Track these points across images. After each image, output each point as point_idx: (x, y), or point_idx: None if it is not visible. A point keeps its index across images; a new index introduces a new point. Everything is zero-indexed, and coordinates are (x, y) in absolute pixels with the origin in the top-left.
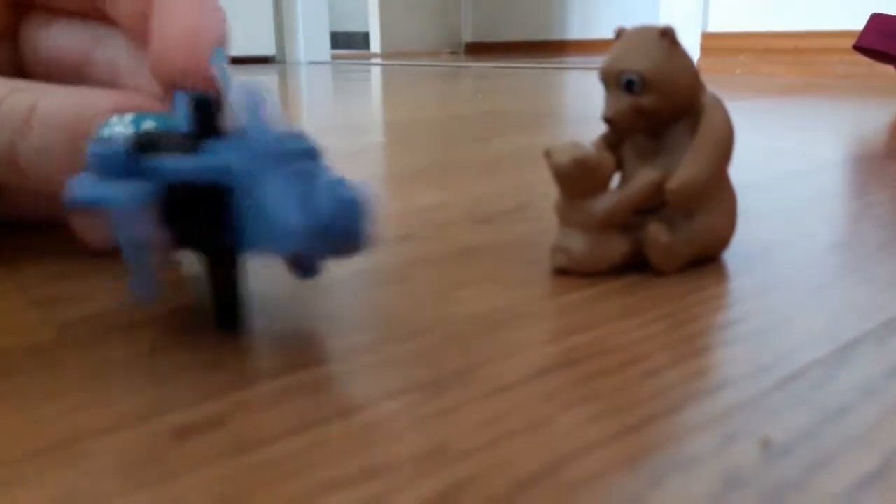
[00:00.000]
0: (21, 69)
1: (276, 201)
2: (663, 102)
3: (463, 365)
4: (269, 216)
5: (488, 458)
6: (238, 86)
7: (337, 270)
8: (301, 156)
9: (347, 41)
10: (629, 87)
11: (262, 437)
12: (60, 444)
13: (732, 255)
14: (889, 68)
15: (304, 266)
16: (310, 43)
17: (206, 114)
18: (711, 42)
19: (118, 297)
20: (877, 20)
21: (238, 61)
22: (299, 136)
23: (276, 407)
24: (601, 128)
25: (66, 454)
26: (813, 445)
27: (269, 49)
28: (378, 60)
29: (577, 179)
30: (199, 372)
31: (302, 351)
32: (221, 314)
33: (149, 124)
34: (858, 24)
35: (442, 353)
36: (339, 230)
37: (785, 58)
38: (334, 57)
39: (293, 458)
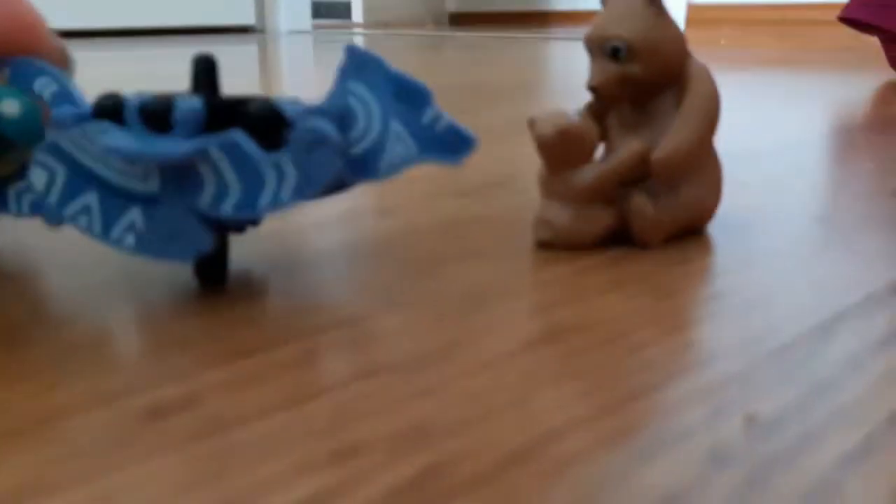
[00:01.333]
0: None
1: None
2: (649, 70)
3: (444, 340)
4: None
5: (471, 436)
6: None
7: (315, 244)
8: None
9: (329, 10)
10: (615, 54)
11: (236, 417)
12: (28, 426)
13: (717, 228)
14: (874, 39)
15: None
16: (290, 12)
17: (211, 73)
18: (696, 13)
19: (96, 275)
20: None
21: (216, 30)
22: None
23: (250, 386)
24: (588, 99)
25: (34, 436)
26: (799, 420)
27: (248, 18)
28: (361, 30)
29: (561, 150)
30: (171, 351)
31: (278, 327)
32: (204, 265)
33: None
34: None
35: (423, 329)
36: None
37: (770, 29)
38: (315, 27)
39: (267, 438)
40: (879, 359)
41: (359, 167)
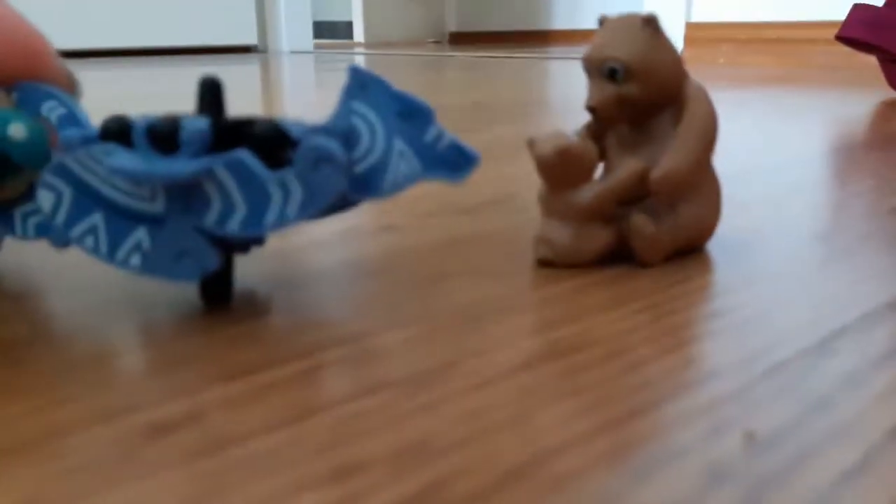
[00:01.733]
0: None
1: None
2: (646, 91)
3: (445, 358)
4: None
5: (471, 454)
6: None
7: (317, 262)
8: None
9: (330, 30)
10: (612, 75)
11: (237, 434)
12: (29, 443)
13: (717, 246)
14: (871, 58)
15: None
16: (292, 32)
17: (217, 94)
18: (695, 32)
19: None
20: (859, 10)
21: (219, 50)
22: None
23: (252, 403)
24: (586, 118)
25: (34, 453)
26: (797, 438)
27: (250, 38)
28: (362, 50)
29: (560, 169)
30: (174, 368)
31: (280, 345)
32: (209, 285)
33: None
34: (841, 14)
35: (423, 347)
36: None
37: (768, 48)
38: (317, 46)
39: (268, 456)
40: (878, 376)
41: (363, 185)
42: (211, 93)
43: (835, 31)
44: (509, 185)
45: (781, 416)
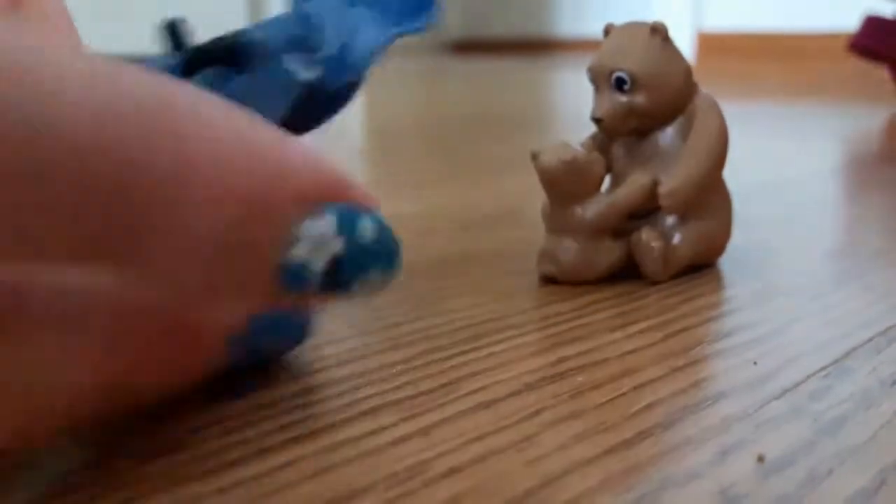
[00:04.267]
0: None
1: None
2: (655, 102)
3: (444, 379)
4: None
5: (472, 479)
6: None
7: None
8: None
9: None
10: (619, 85)
11: (229, 459)
12: (11, 467)
13: (728, 262)
14: (883, 70)
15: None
16: None
17: (178, 33)
18: (707, 42)
19: None
20: (871, 21)
21: None
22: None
23: (243, 427)
24: (592, 130)
25: (19, 478)
26: (809, 460)
27: None
28: None
29: (565, 182)
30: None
31: (273, 365)
32: None
33: (366, 226)
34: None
35: (423, 368)
36: None
37: (779, 59)
38: None
39: (261, 481)
40: (892, 396)
41: (336, 63)
42: (172, 34)
43: (847, 42)
44: (512, 200)
45: (794, 437)
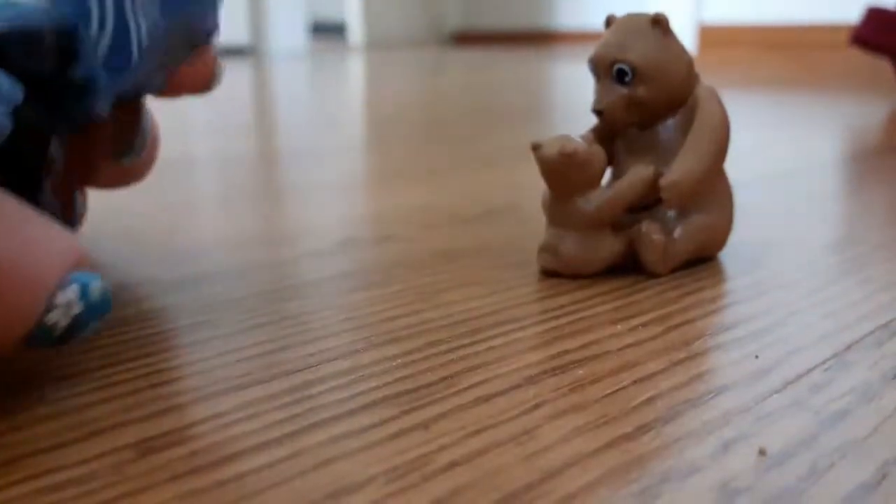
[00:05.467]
0: None
1: None
2: (656, 93)
3: (445, 373)
4: None
5: (472, 473)
6: None
7: (311, 274)
8: None
9: (326, 30)
10: (620, 77)
11: (228, 452)
12: (14, 459)
13: (729, 255)
14: (885, 62)
15: None
16: (286, 31)
17: None
18: (709, 35)
19: None
20: (873, 13)
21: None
22: None
23: (243, 421)
24: (593, 122)
25: (21, 469)
26: (810, 453)
27: (242, 38)
28: (359, 51)
29: (566, 174)
30: (162, 385)
31: (271, 360)
32: None
33: (96, 287)
34: (854, 17)
35: (423, 361)
36: None
37: (780, 51)
38: (312, 46)
39: (261, 474)
40: (893, 389)
41: (114, 59)
42: None
43: (849, 34)
44: (512, 193)
45: (795, 430)
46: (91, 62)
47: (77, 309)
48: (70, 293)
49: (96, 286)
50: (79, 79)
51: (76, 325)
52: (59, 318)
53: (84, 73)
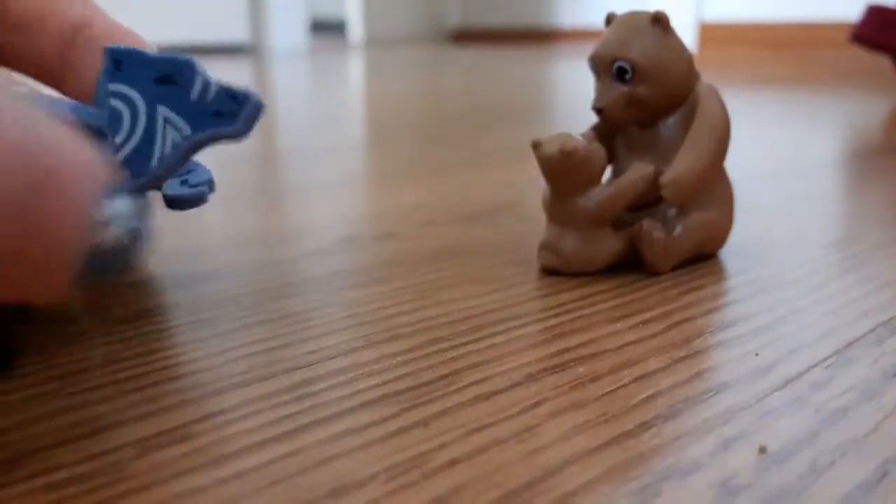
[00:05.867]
0: None
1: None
2: (657, 91)
3: (445, 371)
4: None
5: (472, 471)
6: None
7: (311, 271)
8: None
9: (326, 28)
10: (621, 75)
11: (229, 450)
12: (14, 457)
13: (730, 253)
14: (886, 60)
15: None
16: (286, 30)
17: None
18: (709, 33)
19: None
20: (873, 11)
21: (209, 50)
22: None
23: (242, 418)
24: (593, 120)
25: (21, 467)
26: (811, 451)
27: (241, 36)
28: (359, 49)
29: (566, 172)
30: (160, 382)
31: (271, 358)
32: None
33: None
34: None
35: (423, 359)
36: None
37: (780, 49)
38: (312, 45)
39: (261, 472)
40: (894, 387)
41: (132, 166)
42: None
43: (849, 32)
44: (512, 191)
45: (796, 428)
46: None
47: (129, 222)
48: (121, 205)
49: (142, 203)
50: None
51: (132, 240)
52: (115, 231)
53: None
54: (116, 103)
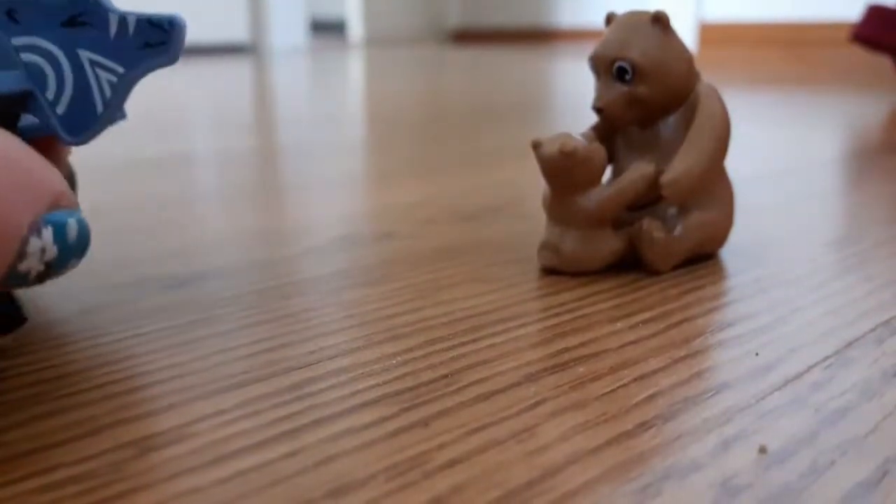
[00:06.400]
0: None
1: None
2: (657, 91)
3: (445, 370)
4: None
5: (472, 470)
6: None
7: (311, 271)
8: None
9: (326, 28)
10: (621, 75)
11: (230, 450)
12: (13, 457)
13: (730, 252)
14: (886, 60)
15: None
16: (286, 29)
17: None
18: (709, 33)
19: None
20: (874, 11)
21: (209, 50)
22: None
23: (242, 418)
24: (594, 120)
25: (19, 468)
26: (811, 451)
27: (241, 35)
28: (359, 48)
29: (566, 172)
30: (160, 382)
31: (271, 358)
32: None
33: (72, 227)
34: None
35: (423, 359)
36: None
37: (780, 49)
38: (312, 44)
39: (261, 472)
40: (894, 387)
41: (75, 120)
42: None
43: (849, 31)
44: (512, 190)
45: (796, 428)
46: (48, 122)
47: (52, 254)
48: (44, 238)
49: (73, 226)
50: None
51: (52, 269)
52: (32, 266)
53: (44, 133)
54: (30, 57)
